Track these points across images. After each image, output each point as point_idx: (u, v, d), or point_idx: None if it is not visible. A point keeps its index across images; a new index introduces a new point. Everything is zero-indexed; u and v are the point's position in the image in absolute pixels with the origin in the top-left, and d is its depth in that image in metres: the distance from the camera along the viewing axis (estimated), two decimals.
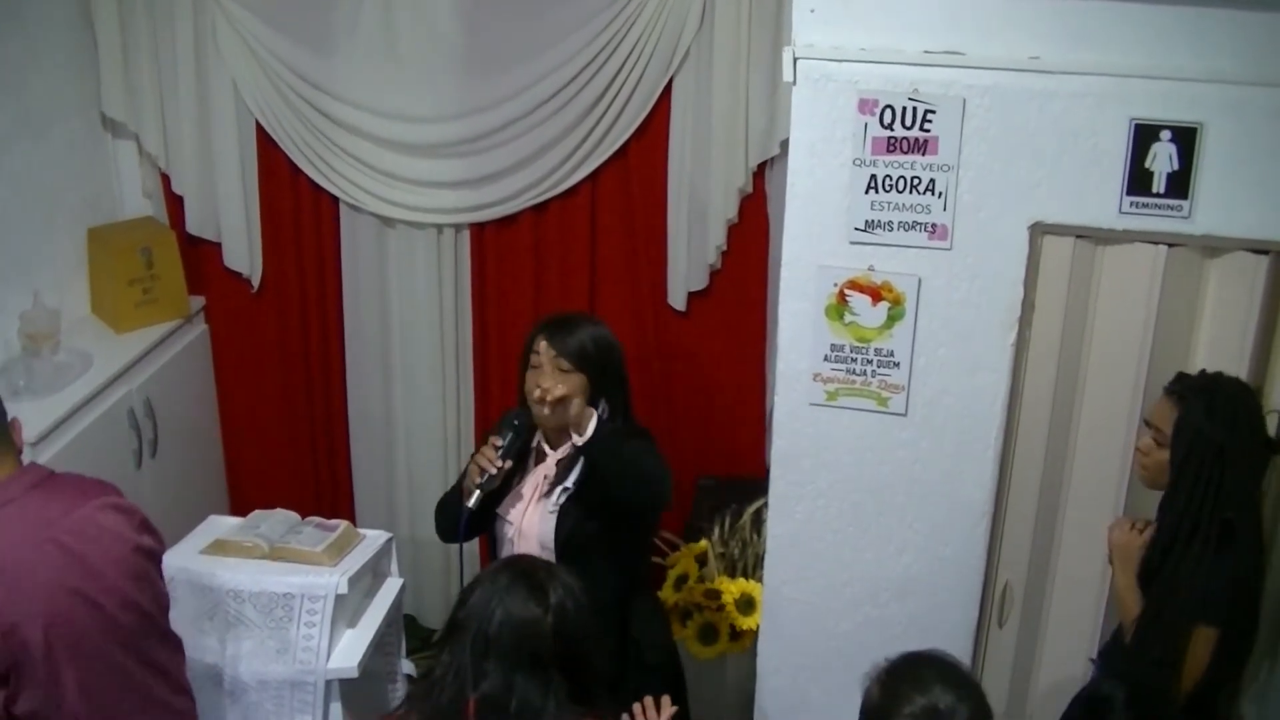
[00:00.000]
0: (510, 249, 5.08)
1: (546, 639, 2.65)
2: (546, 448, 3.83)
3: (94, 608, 2.80)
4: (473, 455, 3.74)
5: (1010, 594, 3.94)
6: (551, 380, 3.62)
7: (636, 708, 3.17)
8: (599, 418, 3.57)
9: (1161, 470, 3.33)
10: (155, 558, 3.04)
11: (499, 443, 3.66)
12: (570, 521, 3.71)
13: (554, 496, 3.76)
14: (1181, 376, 3.39)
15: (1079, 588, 3.80)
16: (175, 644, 3.07)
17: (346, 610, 3.89)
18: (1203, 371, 3.41)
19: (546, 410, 3.62)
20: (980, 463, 3.76)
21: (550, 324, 3.77)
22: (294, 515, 4.16)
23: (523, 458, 3.82)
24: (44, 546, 2.77)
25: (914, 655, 2.81)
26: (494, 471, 3.63)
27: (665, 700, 3.19)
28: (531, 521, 3.77)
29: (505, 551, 3.80)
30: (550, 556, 3.70)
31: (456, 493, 3.80)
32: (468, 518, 3.65)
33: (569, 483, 3.75)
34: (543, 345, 3.69)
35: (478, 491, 3.63)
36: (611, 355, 3.77)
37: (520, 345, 5.08)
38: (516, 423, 3.71)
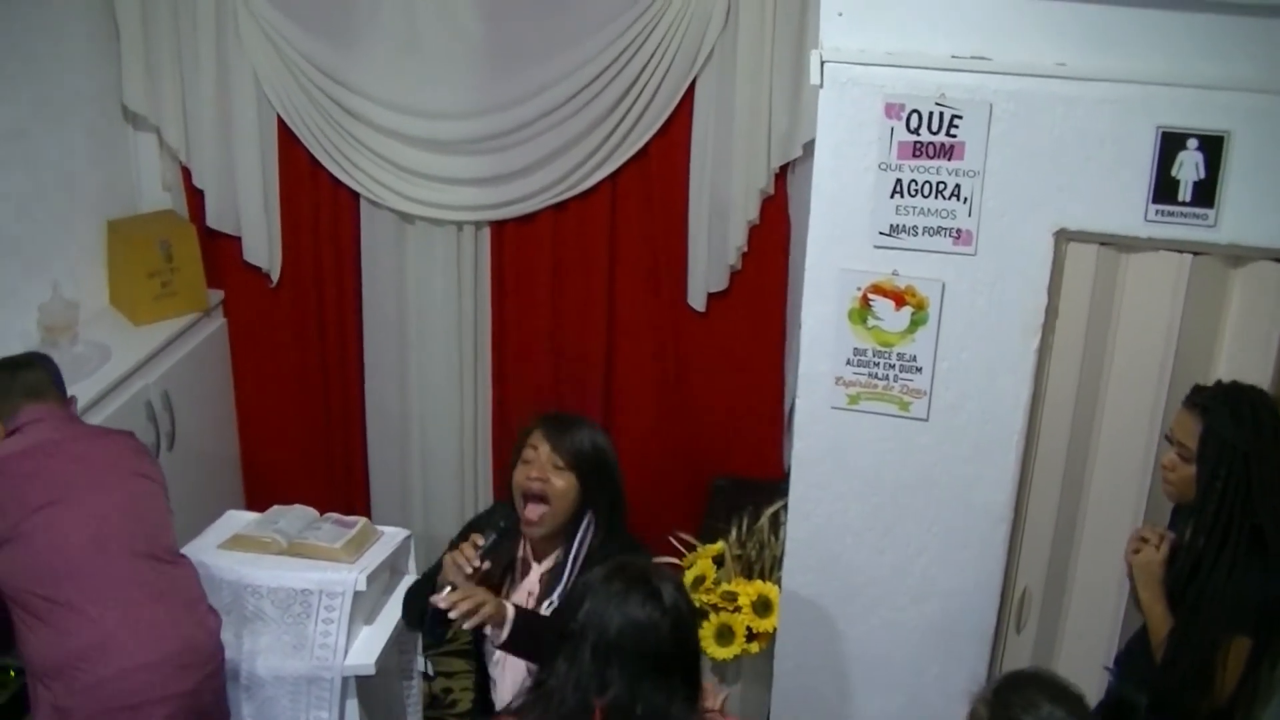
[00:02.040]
0: (530, 247, 5.07)
1: (666, 641, 2.62)
2: (531, 559, 3.54)
3: None
4: (449, 547, 3.48)
5: (1028, 599, 3.93)
6: (541, 473, 3.43)
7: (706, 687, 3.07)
8: (513, 619, 3.20)
9: (1188, 484, 3.31)
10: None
11: (480, 542, 3.37)
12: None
13: (541, 611, 3.43)
14: (1199, 389, 3.37)
15: (1097, 594, 3.79)
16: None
17: (364, 607, 3.91)
18: (1218, 382, 3.39)
19: (534, 517, 3.44)
20: (1001, 468, 3.76)
21: (550, 420, 3.55)
22: (312, 511, 4.18)
23: (509, 566, 3.57)
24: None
25: (1018, 674, 2.80)
26: (469, 572, 3.32)
27: (709, 687, 3.13)
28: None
29: (497, 667, 3.56)
30: None
31: (429, 582, 3.48)
32: (432, 614, 3.23)
33: (554, 597, 3.44)
34: (539, 439, 3.48)
35: (449, 588, 3.25)
36: (607, 463, 3.53)
37: (538, 343, 5.13)
38: (503, 524, 3.45)
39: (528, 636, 3.19)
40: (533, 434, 3.49)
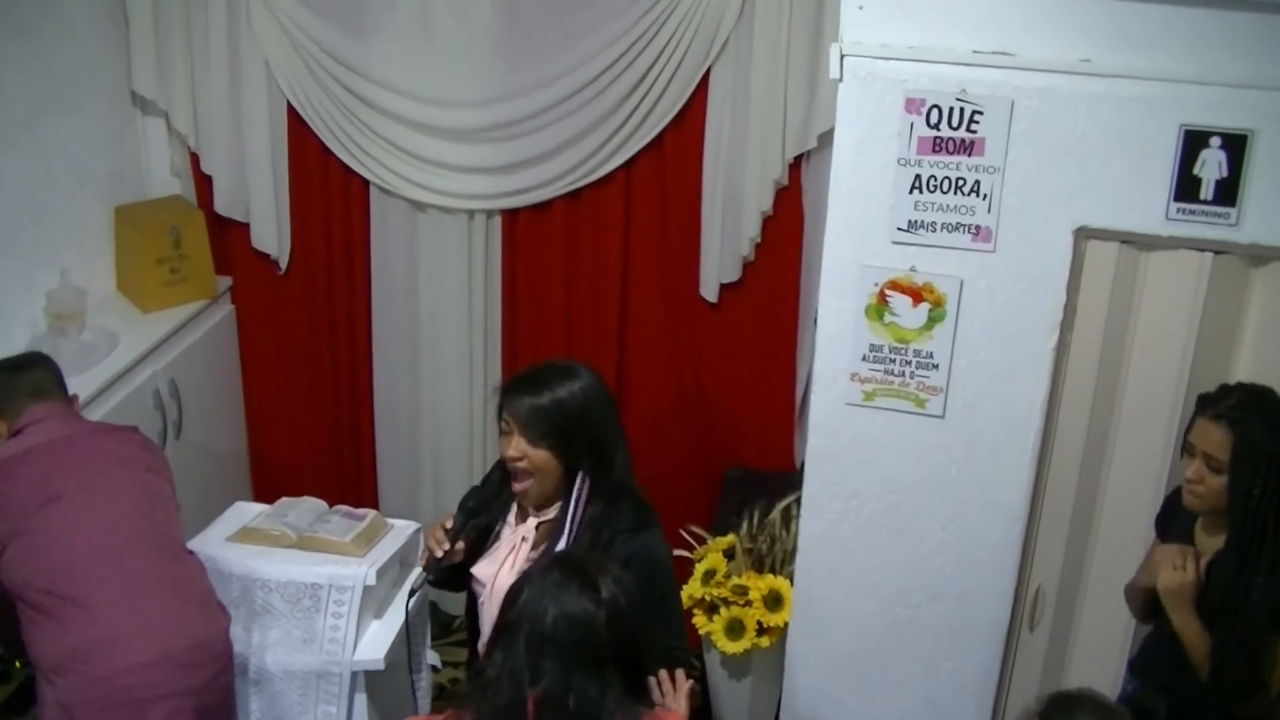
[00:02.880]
0: (542, 236, 5.04)
1: (601, 634, 2.62)
2: (531, 511, 3.49)
3: None
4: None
5: (1042, 598, 3.91)
6: (518, 451, 3.37)
7: (652, 681, 3.08)
8: None
9: (1218, 495, 3.28)
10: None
11: (448, 525, 3.45)
12: None
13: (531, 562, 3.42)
14: (1212, 398, 3.33)
15: (1111, 593, 3.76)
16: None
17: (374, 601, 3.88)
18: (1225, 387, 3.35)
19: (520, 489, 3.42)
20: (1017, 467, 3.72)
21: (511, 391, 3.42)
22: (321, 503, 4.15)
23: (486, 529, 3.56)
24: None
25: (1065, 695, 2.76)
26: (438, 555, 3.42)
27: (680, 674, 3.12)
28: (503, 584, 3.31)
29: (482, 612, 3.53)
30: None
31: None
32: (409, 594, 3.54)
33: (557, 547, 3.39)
34: (508, 415, 3.39)
35: (421, 572, 3.50)
36: (576, 415, 3.37)
37: (550, 334, 5.12)
38: (471, 504, 3.48)
39: None
40: (502, 408, 3.41)
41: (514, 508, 3.53)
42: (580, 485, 3.40)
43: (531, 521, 3.47)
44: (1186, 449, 3.33)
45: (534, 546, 3.44)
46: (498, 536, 3.55)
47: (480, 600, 3.52)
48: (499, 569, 3.46)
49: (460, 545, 3.45)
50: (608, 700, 2.61)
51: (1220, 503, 3.28)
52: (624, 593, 2.69)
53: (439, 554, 3.42)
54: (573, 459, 3.37)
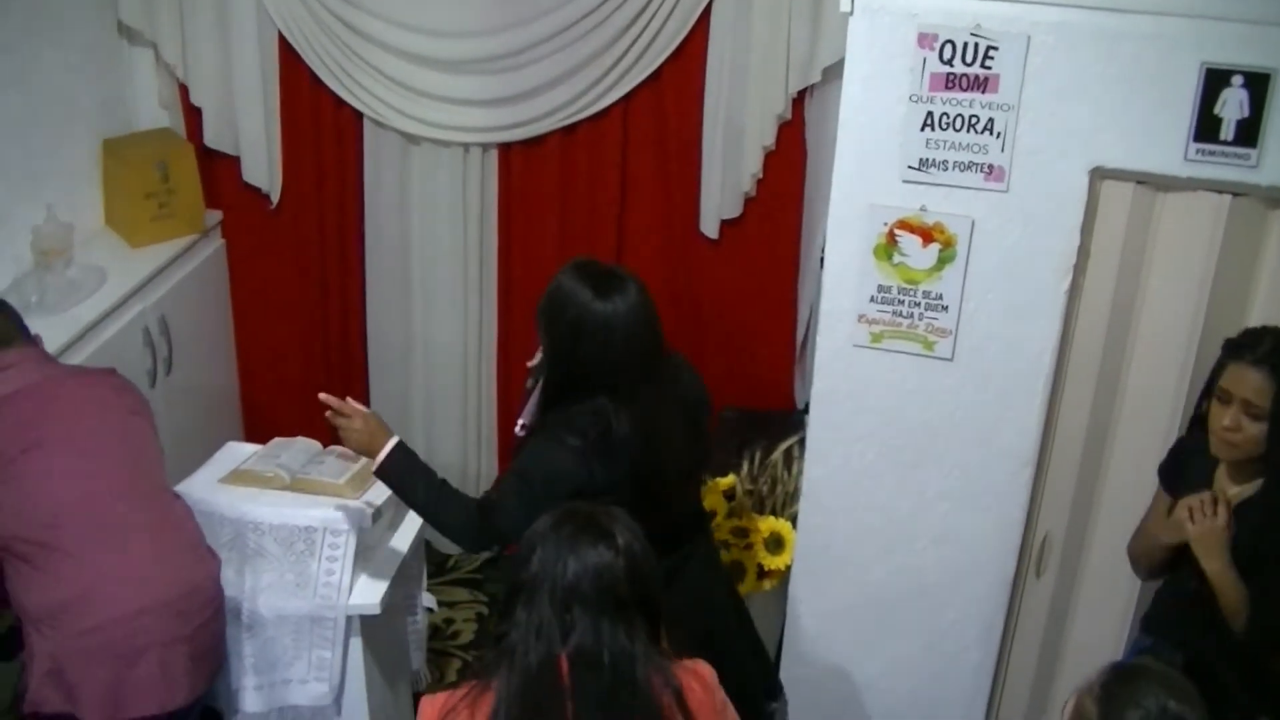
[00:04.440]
0: (538, 171, 4.96)
1: (623, 582, 2.58)
2: None
3: None
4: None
5: (1049, 545, 3.86)
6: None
7: None
8: (390, 447, 3.43)
9: (1255, 443, 3.19)
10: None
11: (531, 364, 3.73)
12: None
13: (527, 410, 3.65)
14: (1245, 343, 3.23)
15: (1120, 542, 3.69)
16: None
17: (368, 544, 3.82)
18: (1264, 331, 3.27)
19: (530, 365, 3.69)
20: (1025, 411, 3.68)
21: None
22: (315, 444, 4.08)
23: None
24: None
25: (1122, 669, 2.69)
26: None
27: None
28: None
29: None
30: None
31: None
32: None
33: (524, 419, 3.62)
34: None
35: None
36: (547, 312, 3.44)
37: (545, 269, 4.96)
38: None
39: (400, 477, 3.45)
40: None
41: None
42: None
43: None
44: (1220, 396, 3.24)
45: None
46: None
47: None
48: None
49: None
50: (637, 648, 2.57)
51: (1257, 450, 3.20)
52: (636, 538, 2.65)
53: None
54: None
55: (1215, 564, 3.22)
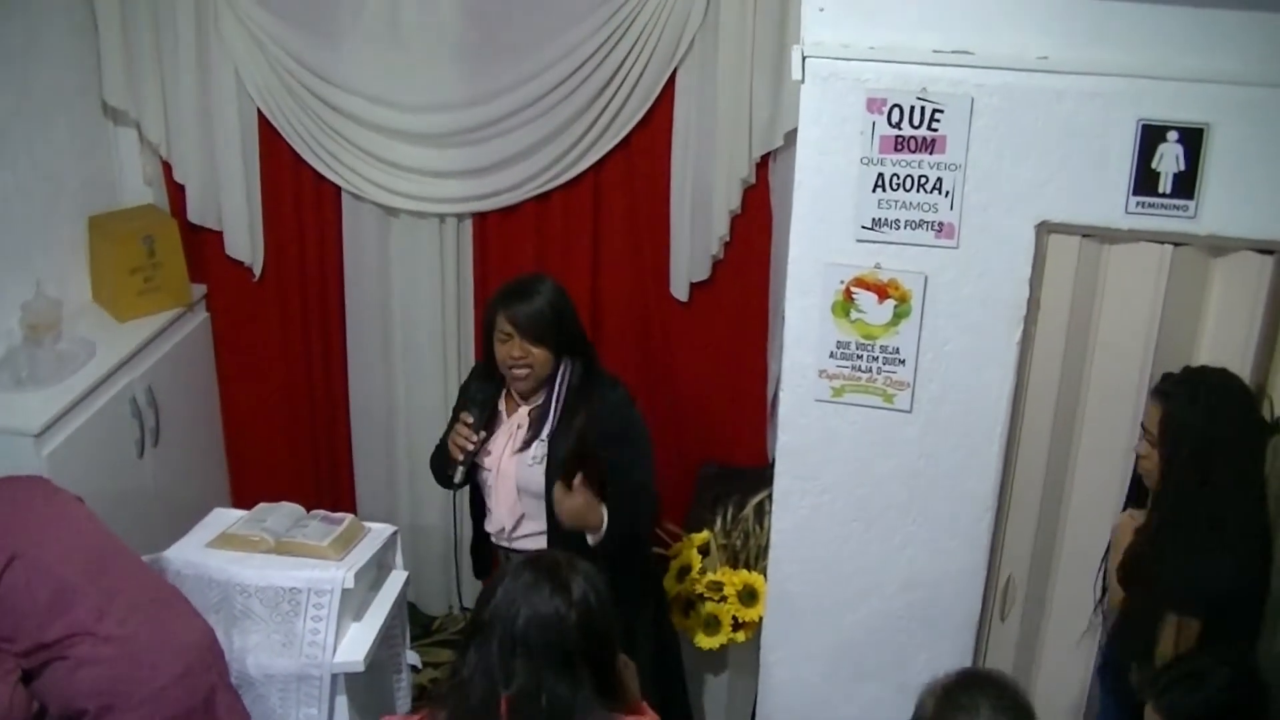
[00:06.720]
0: (513, 239, 5.06)
1: (571, 633, 2.64)
2: (519, 400, 4.00)
3: None
4: (449, 429, 4.05)
5: (1013, 588, 3.96)
6: (522, 351, 3.86)
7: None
8: (606, 517, 3.79)
9: (1157, 469, 3.37)
10: None
11: (469, 420, 3.96)
12: (556, 473, 3.82)
13: (533, 449, 3.94)
14: (1166, 376, 3.42)
15: (1081, 582, 3.81)
16: None
17: (352, 604, 3.91)
18: (1186, 368, 3.44)
19: (521, 376, 3.90)
20: (985, 458, 3.78)
21: (507, 301, 3.90)
22: (299, 508, 4.18)
23: (492, 414, 4.03)
24: None
25: (971, 674, 2.81)
26: (471, 448, 3.94)
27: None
28: (508, 470, 3.98)
29: (491, 496, 4.05)
30: (538, 505, 3.93)
31: (443, 449, 4.07)
32: (458, 482, 4.06)
33: (544, 435, 3.93)
34: (505, 323, 3.87)
35: (461, 467, 3.98)
36: (565, 314, 3.93)
37: None
38: (480, 397, 4.00)
39: (621, 534, 3.82)
40: (498, 317, 3.89)
41: (503, 399, 4.04)
42: (564, 371, 3.95)
43: (523, 409, 3.99)
44: (1143, 425, 3.43)
45: (531, 433, 3.96)
46: (492, 431, 4.02)
47: (488, 483, 4.03)
48: (501, 455, 3.99)
49: (483, 433, 3.96)
50: (579, 699, 2.63)
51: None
52: (594, 592, 2.71)
53: (472, 445, 3.94)
54: (562, 350, 3.91)
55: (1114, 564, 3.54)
